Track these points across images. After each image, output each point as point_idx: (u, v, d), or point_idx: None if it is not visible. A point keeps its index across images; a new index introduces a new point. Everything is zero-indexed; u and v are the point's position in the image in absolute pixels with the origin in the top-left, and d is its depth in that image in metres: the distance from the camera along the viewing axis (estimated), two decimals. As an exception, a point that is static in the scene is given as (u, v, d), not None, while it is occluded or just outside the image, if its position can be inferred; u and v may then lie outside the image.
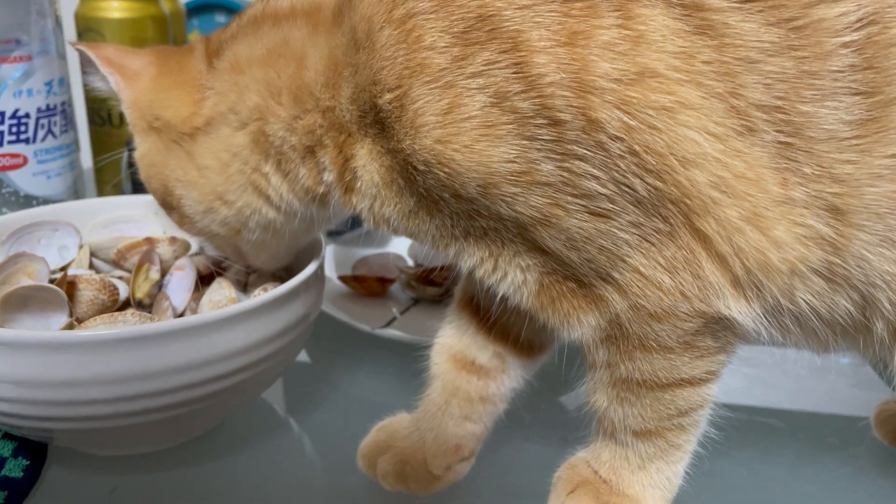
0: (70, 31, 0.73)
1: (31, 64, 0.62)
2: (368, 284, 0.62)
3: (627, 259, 0.33)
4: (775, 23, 0.30)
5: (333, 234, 0.72)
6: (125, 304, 0.47)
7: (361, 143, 0.35)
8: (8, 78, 0.61)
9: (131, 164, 0.68)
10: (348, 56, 0.34)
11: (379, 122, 0.34)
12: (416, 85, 0.31)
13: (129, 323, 0.40)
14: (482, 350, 0.44)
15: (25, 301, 0.41)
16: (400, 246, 0.69)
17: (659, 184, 0.31)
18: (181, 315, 0.47)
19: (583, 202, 0.31)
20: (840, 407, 0.51)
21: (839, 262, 0.32)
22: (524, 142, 0.31)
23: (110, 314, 0.40)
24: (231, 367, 0.40)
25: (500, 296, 0.36)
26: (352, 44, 0.34)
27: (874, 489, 0.44)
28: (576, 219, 0.32)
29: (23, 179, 0.64)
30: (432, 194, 0.34)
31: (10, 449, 0.42)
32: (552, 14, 0.30)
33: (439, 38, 0.31)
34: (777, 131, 0.30)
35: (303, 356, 0.56)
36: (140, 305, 0.47)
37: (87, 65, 0.44)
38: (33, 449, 0.43)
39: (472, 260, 0.35)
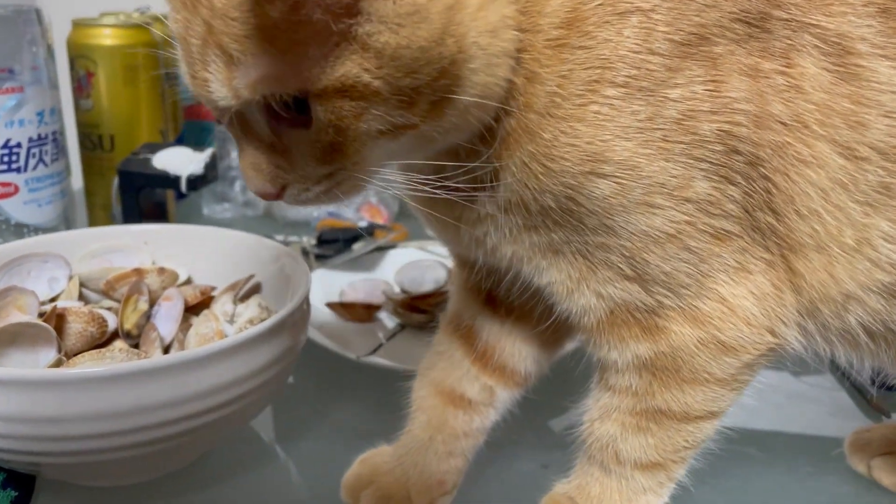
0: (62, 59, 0.74)
1: (23, 95, 0.63)
2: (355, 311, 0.63)
3: (719, 287, 0.34)
4: None
5: (321, 259, 0.72)
6: (114, 336, 0.48)
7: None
8: (0, 108, 0.62)
9: (121, 189, 0.70)
10: None
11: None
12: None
13: (116, 359, 0.41)
14: (472, 383, 0.44)
15: (14, 337, 0.42)
16: (387, 272, 0.69)
17: (776, 223, 0.34)
18: (169, 346, 0.48)
19: (713, 223, 0.34)
20: (816, 434, 0.52)
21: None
22: (691, 161, 0.32)
23: (98, 350, 0.41)
24: (217, 401, 0.40)
25: (553, 305, 0.37)
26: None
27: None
28: (698, 238, 0.34)
29: (14, 208, 0.64)
30: (562, 201, 0.34)
31: (-1, 480, 0.43)
32: (742, 48, 0.32)
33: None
34: (883, 170, 0.33)
35: (289, 382, 0.57)
36: (128, 336, 0.48)
37: None
38: (21, 480, 0.43)
39: (555, 277, 0.36)
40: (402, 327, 0.63)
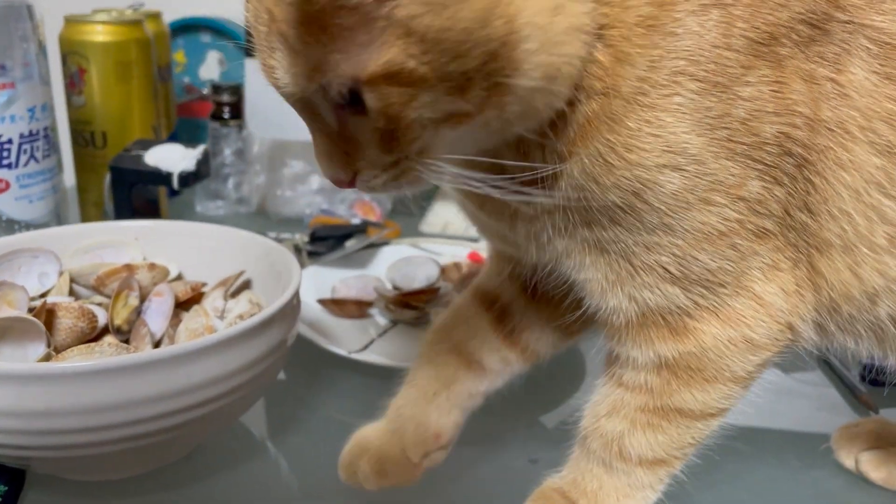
0: (54, 55, 0.74)
1: (14, 91, 0.63)
2: (347, 307, 0.63)
3: (754, 285, 0.35)
4: None
5: (314, 256, 0.73)
6: (104, 331, 0.48)
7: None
8: (-9, 104, 0.62)
9: (113, 186, 0.70)
10: None
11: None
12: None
13: (106, 353, 0.41)
14: (492, 353, 0.45)
15: (3, 332, 0.42)
16: (379, 269, 0.70)
17: (809, 222, 0.35)
18: (159, 341, 0.48)
19: (758, 222, 0.34)
20: (804, 430, 0.52)
21: None
22: (749, 161, 0.33)
23: (87, 345, 0.41)
24: (207, 395, 0.40)
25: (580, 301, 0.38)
26: None
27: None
28: (743, 237, 0.34)
29: (5, 204, 0.64)
30: (628, 196, 0.33)
31: (-12, 475, 0.43)
32: (802, 52, 0.33)
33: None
34: None
35: (280, 377, 0.57)
36: (119, 332, 0.48)
37: None
38: (11, 474, 0.43)
39: (592, 276, 0.36)
40: (393, 324, 0.64)
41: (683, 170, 0.32)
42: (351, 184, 0.34)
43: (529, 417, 0.54)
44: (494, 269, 0.47)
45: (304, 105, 0.32)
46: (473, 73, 0.29)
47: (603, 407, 0.39)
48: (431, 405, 0.44)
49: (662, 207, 0.33)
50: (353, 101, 0.30)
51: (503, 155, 0.33)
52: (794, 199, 0.34)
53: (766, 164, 0.33)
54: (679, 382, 0.37)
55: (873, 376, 0.55)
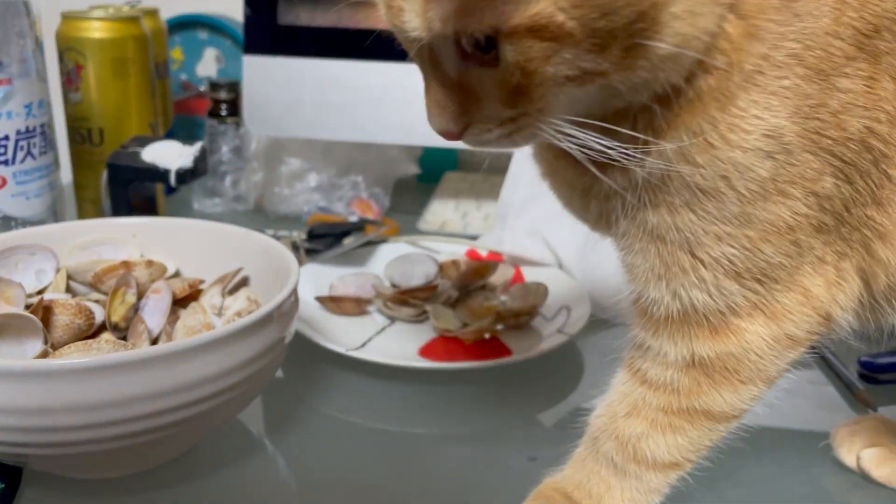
0: (51, 52, 0.73)
1: (11, 87, 0.63)
2: (345, 305, 0.63)
3: (804, 279, 0.35)
4: None
5: (311, 254, 0.72)
6: (101, 328, 0.48)
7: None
8: (-13, 101, 0.62)
9: (110, 183, 0.69)
10: None
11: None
12: None
13: (103, 350, 0.41)
14: None
15: (0, 328, 0.42)
16: (377, 267, 0.69)
17: (875, 214, 0.34)
18: (156, 338, 0.48)
19: (821, 217, 0.34)
20: (802, 427, 0.52)
21: None
22: (829, 157, 0.33)
23: (84, 342, 0.41)
24: (205, 392, 0.40)
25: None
26: None
27: (833, 510, 0.45)
28: (806, 231, 0.34)
29: (2, 201, 0.64)
30: (715, 180, 0.32)
31: (-15, 473, 0.43)
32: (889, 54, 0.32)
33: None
34: None
35: (278, 375, 0.57)
36: (116, 329, 0.48)
37: None
38: (8, 472, 0.43)
39: (639, 262, 0.35)
40: (392, 321, 0.63)
41: (774, 158, 0.32)
42: (458, 136, 0.33)
43: (528, 416, 0.54)
44: None
45: (426, 52, 0.31)
46: (619, 31, 0.28)
47: (622, 406, 0.38)
48: None
49: (747, 195, 0.32)
50: (485, 51, 0.29)
51: (607, 121, 0.32)
52: (861, 195, 0.34)
53: (844, 161, 0.33)
54: (710, 383, 0.36)
55: (870, 374, 0.55)
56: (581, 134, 0.31)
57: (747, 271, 0.34)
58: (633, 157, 0.32)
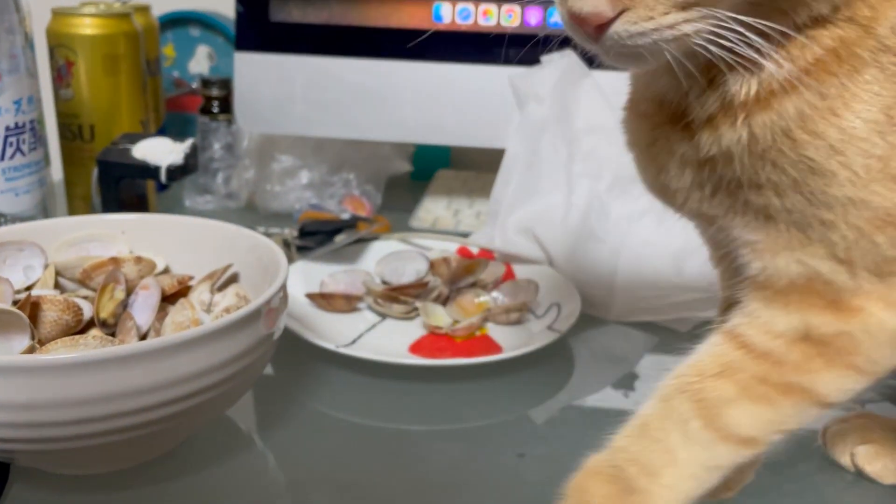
0: (41, 48, 0.73)
1: (0, 83, 0.63)
2: (335, 301, 0.63)
3: None
4: None
5: (303, 251, 0.72)
6: (90, 324, 0.48)
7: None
8: (-24, 97, 0.62)
9: (100, 180, 0.69)
10: None
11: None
12: None
13: (90, 346, 0.41)
14: None
15: (-13, 324, 0.42)
16: (369, 264, 0.69)
17: None
18: (145, 334, 0.48)
19: None
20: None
21: None
22: None
23: (71, 337, 0.41)
24: (192, 388, 0.40)
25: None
26: None
27: (821, 506, 0.45)
28: None
29: (-9, 197, 0.64)
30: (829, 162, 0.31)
31: (-28, 469, 0.43)
32: None
33: None
34: None
35: (268, 372, 0.57)
36: (105, 325, 0.48)
37: None
38: (-5, 469, 0.43)
39: (760, 237, 0.34)
40: (382, 318, 0.63)
41: (888, 140, 0.30)
42: (606, 24, 0.29)
43: (518, 412, 0.54)
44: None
45: None
46: None
47: (712, 366, 0.35)
48: None
49: (862, 174, 0.31)
50: None
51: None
52: None
53: None
54: (822, 361, 0.34)
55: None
56: (744, 31, 0.29)
57: (861, 260, 0.32)
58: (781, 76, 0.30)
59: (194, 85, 1.03)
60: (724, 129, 0.32)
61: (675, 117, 0.34)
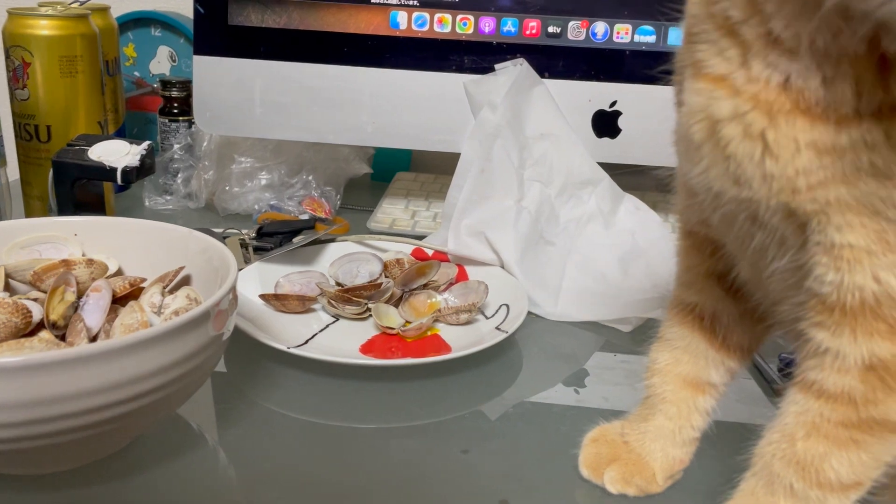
0: (-4, 49, 0.73)
1: (-47, 84, 0.63)
2: (289, 302, 0.64)
3: None
4: None
5: (260, 252, 0.73)
6: (40, 326, 0.48)
7: None
8: (-72, 97, 0.62)
9: (56, 181, 0.69)
10: None
11: None
12: None
13: (36, 349, 0.41)
14: (717, 369, 0.46)
15: (-66, 326, 0.42)
16: (324, 265, 0.71)
17: None
18: (95, 336, 0.48)
19: None
20: (724, 419, 0.54)
21: None
22: None
23: (17, 340, 0.41)
24: (141, 389, 0.41)
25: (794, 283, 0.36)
26: None
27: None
28: None
29: (-57, 198, 0.64)
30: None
31: (-81, 470, 0.43)
32: None
33: None
34: None
35: (221, 370, 0.58)
36: (55, 327, 0.48)
37: None
38: (-56, 469, 0.44)
39: (854, 241, 0.33)
40: (336, 319, 0.65)
41: None
42: None
43: (467, 410, 0.55)
44: (688, 277, 0.46)
45: None
46: None
47: (799, 428, 0.37)
48: (677, 439, 0.46)
49: None
50: None
51: None
52: None
53: None
54: (885, 389, 0.34)
55: (790, 370, 0.58)
56: None
57: None
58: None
59: (155, 85, 1.03)
60: None
61: (810, 107, 0.32)
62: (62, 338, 0.48)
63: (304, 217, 0.84)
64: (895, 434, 0.36)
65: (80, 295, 0.51)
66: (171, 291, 0.52)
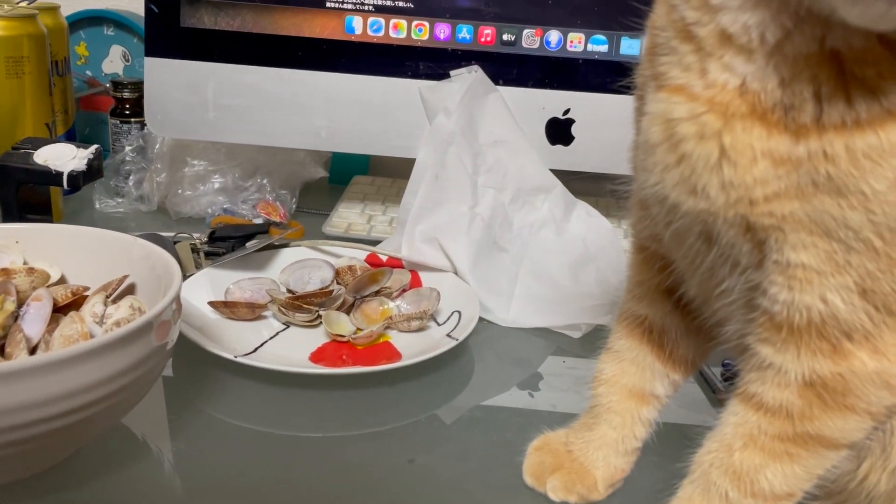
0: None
1: None
2: (238, 310, 0.64)
3: None
4: None
5: (212, 257, 0.73)
6: (-23, 337, 0.47)
7: None
8: None
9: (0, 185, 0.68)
10: None
11: None
12: None
13: (-31, 362, 0.40)
14: (662, 381, 0.47)
15: None
16: (276, 271, 0.70)
17: None
18: (35, 347, 0.48)
19: None
20: (665, 421, 0.55)
21: None
22: None
23: (-50, 354, 0.41)
24: (82, 401, 0.40)
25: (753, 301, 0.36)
26: None
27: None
28: None
29: None
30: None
31: None
32: None
33: None
34: None
35: (168, 376, 0.58)
36: (-6, 337, 0.47)
37: None
38: None
39: (806, 261, 0.33)
40: (286, 326, 0.65)
41: None
42: None
43: (417, 416, 0.56)
44: (639, 291, 0.46)
45: None
46: None
47: (737, 440, 0.38)
48: (619, 448, 0.47)
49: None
50: None
51: None
52: None
53: None
54: (821, 406, 0.35)
55: (733, 376, 0.60)
56: None
57: (872, 294, 0.33)
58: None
59: (107, 84, 1.01)
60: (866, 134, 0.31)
61: (767, 113, 0.32)
62: (1, 348, 0.47)
63: (258, 221, 0.83)
64: (828, 449, 0.37)
65: (20, 304, 0.50)
66: (115, 301, 0.51)
